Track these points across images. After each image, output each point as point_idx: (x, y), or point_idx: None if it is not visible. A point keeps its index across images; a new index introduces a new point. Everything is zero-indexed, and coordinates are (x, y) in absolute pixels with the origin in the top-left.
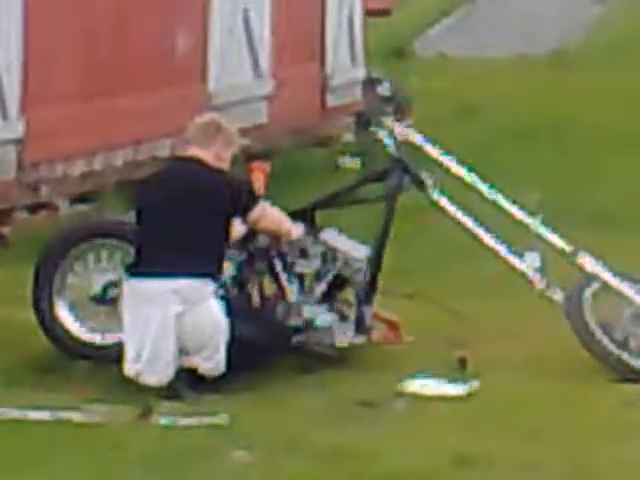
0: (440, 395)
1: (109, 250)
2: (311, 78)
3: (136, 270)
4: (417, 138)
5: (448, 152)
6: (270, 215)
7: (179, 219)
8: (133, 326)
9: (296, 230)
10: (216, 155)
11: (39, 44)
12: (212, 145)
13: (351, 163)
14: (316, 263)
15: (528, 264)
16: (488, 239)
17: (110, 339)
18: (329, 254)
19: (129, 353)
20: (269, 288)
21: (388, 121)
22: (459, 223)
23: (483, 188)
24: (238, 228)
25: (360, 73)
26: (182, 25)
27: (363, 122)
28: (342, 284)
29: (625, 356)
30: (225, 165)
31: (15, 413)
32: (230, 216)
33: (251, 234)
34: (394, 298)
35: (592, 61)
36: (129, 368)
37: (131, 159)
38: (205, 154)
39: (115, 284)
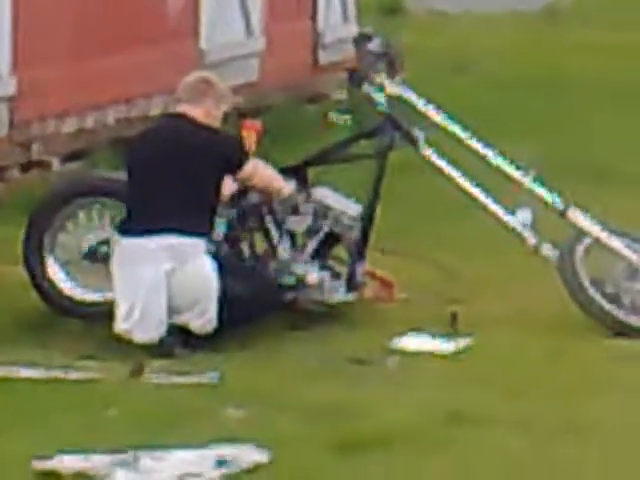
0: (432, 352)
1: (100, 208)
2: (303, 35)
3: (127, 228)
4: (409, 94)
5: (440, 108)
6: (261, 172)
7: (169, 177)
8: (124, 284)
9: (287, 187)
10: (206, 112)
11: (31, 1)
12: (202, 102)
13: (342, 120)
14: (308, 220)
15: (520, 221)
16: (480, 196)
17: (101, 297)
18: (321, 211)
19: (120, 310)
20: (261, 245)
21: (380, 77)
22: (451, 180)
23: (475, 144)
24: (229, 185)
25: (352, 29)
26: None
27: (355, 79)
28: (334, 241)
29: (617, 311)
30: (216, 122)
31: (6, 371)
32: (221, 173)
33: (242, 191)
34: (385, 255)
35: (583, 17)
36: (120, 326)
37: (123, 117)
38: (195, 111)
39: (106, 242)
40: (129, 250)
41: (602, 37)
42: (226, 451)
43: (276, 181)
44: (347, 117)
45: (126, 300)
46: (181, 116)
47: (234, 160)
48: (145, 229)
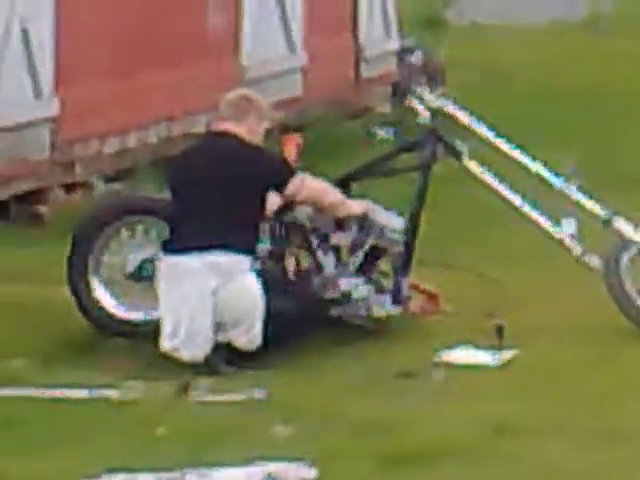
0: (479, 364)
1: (144, 227)
2: (345, 50)
3: (172, 246)
4: (450, 107)
5: (481, 120)
6: (309, 186)
7: (214, 194)
8: (169, 302)
9: (358, 206)
10: (249, 129)
11: (71, 21)
12: (245, 120)
13: (385, 133)
14: (352, 235)
15: (564, 231)
16: (523, 206)
17: (146, 316)
18: (365, 225)
19: (166, 329)
20: (305, 261)
21: (421, 90)
22: (494, 191)
23: (517, 155)
24: (273, 200)
25: (394, 44)
26: None
27: (400, 92)
28: (378, 255)
29: None
30: (258, 139)
31: (53, 392)
32: (265, 190)
33: (286, 207)
34: (430, 268)
35: (625, 28)
36: (166, 344)
37: (165, 136)
38: (239, 129)
39: (151, 261)
40: (174, 268)
41: None
42: (274, 468)
43: (328, 195)
44: (390, 131)
45: (171, 318)
46: (226, 134)
47: (279, 178)
48: (190, 247)
